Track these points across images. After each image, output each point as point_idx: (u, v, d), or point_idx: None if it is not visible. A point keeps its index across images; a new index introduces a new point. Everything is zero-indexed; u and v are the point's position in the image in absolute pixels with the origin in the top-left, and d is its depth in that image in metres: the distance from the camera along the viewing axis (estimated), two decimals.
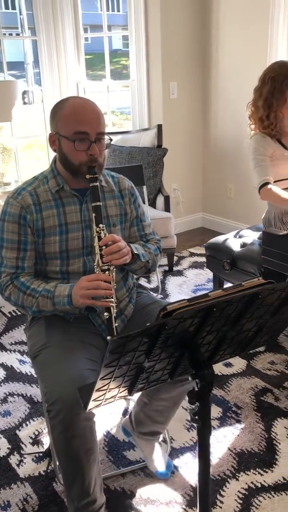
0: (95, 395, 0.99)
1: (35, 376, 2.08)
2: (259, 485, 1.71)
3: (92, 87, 4.02)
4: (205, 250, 2.81)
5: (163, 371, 1.08)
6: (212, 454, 1.85)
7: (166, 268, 3.57)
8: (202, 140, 4.28)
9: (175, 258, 3.69)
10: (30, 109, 6.98)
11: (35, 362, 1.54)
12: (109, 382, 0.96)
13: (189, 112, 4.11)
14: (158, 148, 3.66)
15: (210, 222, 4.43)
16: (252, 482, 1.73)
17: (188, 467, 1.81)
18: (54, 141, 1.54)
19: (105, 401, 1.05)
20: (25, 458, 1.88)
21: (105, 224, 1.59)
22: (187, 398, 1.11)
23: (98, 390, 0.97)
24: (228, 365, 2.39)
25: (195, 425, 1.13)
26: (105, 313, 1.45)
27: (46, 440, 1.97)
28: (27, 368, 2.46)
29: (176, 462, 1.83)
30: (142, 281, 3.40)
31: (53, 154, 1.62)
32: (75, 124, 1.47)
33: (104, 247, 1.46)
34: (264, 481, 1.73)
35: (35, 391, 2.27)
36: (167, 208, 3.51)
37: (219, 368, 2.37)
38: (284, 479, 1.73)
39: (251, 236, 2.71)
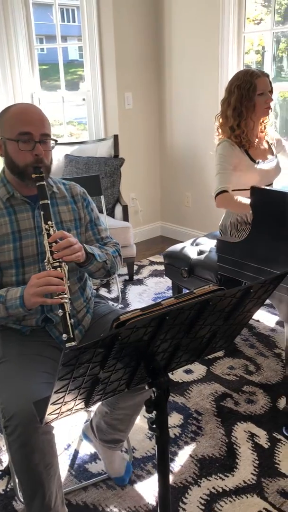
0: (50, 408, 0.98)
1: None
2: (221, 490, 1.73)
3: (47, 97, 4.00)
4: (164, 258, 2.83)
5: (120, 381, 1.08)
6: (174, 462, 1.86)
7: (126, 277, 3.58)
8: (159, 150, 4.33)
9: (135, 267, 3.70)
10: None
11: None
12: (64, 395, 0.95)
13: (145, 122, 4.16)
14: (115, 158, 3.68)
15: (169, 230, 4.48)
16: (213, 488, 1.74)
17: (151, 477, 1.81)
18: (0, 145, 1.53)
19: (61, 414, 1.04)
20: None
21: (60, 230, 1.57)
22: None
23: (53, 403, 0.96)
24: (189, 371, 2.42)
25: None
26: (59, 310, 1.40)
27: (5, 458, 1.92)
28: None
29: (138, 472, 1.83)
30: (102, 291, 3.40)
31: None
32: (19, 125, 1.48)
33: (54, 243, 1.44)
34: (225, 485, 1.75)
35: None
36: (125, 218, 3.52)
37: (179, 375, 2.39)
38: (244, 482, 1.76)
39: (208, 244, 2.76)
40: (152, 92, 4.14)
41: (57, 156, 3.67)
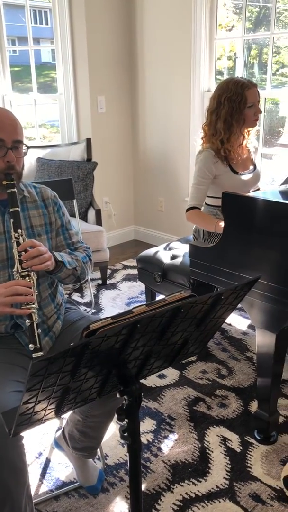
0: (19, 419, 0.95)
1: None
2: (193, 495, 1.73)
3: (19, 100, 3.95)
4: (137, 263, 2.83)
5: (91, 390, 1.07)
6: (147, 468, 1.85)
7: (100, 281, 3.56)
8: (132, 154, 4.33)
9: (108, 272, 3.69)
10: None
11: None
12: (34, 406, 0.93)
13: (118, 126, 4.16)
14: (88, 161, 3.66)
15: (143, 234, 4.48)
16: (186, 493, 1.74)
17: (124, 484, 1.79)
18: None
19: (31, 424, 1.01)
20: None
21: (30, 234, 1.56)
22: None
23: (22, 414, 0.94)
24: (162, 376, 2.41)
25: None
26: (27, 320, 1.39)
27: None
28: None
29: (111, 479, 1.81)
30: (75, 296, 3.36)
31: None
32: None
33: (23, 252, 1.43)
34: (198, 490, 1.75)
35: None
36: (98, 222, 3.50)
37: (152, 380, 2.38)
38: (217, 486, 1.76)
39: (181, 248, 2.77)
40: (125, 96, 4.14)
41: (29, 159, 3.62)
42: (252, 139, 2.48)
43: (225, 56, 4.32)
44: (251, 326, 2.88)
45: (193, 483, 1.78)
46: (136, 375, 1.13)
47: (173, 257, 2.70)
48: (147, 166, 4.25)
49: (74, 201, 3.07)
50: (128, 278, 3.64)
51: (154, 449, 1.95)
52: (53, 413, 1.05)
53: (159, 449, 1.95)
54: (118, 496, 1.74)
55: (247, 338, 2.76)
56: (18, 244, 1.43)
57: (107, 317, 0.93)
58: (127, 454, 1.82)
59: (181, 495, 1.73)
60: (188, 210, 2.35)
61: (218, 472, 1.83)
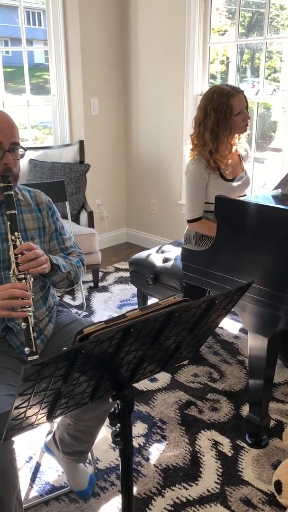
0: (10, 424, 0.94)
1: None
2: (184, 500, 1.72)
3: (11, 101, 3.93)
4: (129, 265, 2.82)
5: (83, 394, 1.06)
6: (138, 472, 1.85)
7: (91, 284, 3.54)
8: (125, 156, 4.33)
9: (100, 274, 3.68)
10: None
11: None
12: (25, 411, 0.92)
13: (111, 129, 4.15)
14: (81, 163, 3.65)
15: (135, 237, 4.47)
16: (177, 497, 1.73)
17: (115, 488, 1.78)
18: None
19: (22, 429, 1.00)
20: None
21: (23, 238, 1.55)
22: None
23: (13, 419, 0.93)
24: (153, 380, 2.41)
25: None
26: (23, 323, 1.38)
27: None
28: None
29: (102, 484, 1.80)
30: (67, 298, 3.35)
31: None
32: None
33: (20, 255, 1.42)
34: (189, 495, 1.74)
35: None
36: (91, 224, 3.49)
37: (144, 384, 2.37)
38: (208, 491, 1.76)
39: (173, 252, 2.77)
40: (118, 99, 4.14)
41: (22, 160, 3.59)
42: (243, 143, 2.49)
43: (218, 60, 4.35)
44: (243, 330, 2.88)
45: (184, 487, 1.78)
46: (129, 379, 1.13)
47: (165, 260, 2.70)
48: (139, 168, 4.25)
49: (67, 203, 3.06)
50: (120, 280, 3.63)
51: (146, 453, 1.94)
52: (44, 417, 1.04)
53: (150, 453, 1.94)
54: (109, 501, 1.73)
55: (239, 341, 2.76)
56: (14, 246, 1.43)
57: (100, 321, 0.92)
58: (119, 458, 1.81)
59: (172, 499, 1.73)
60: (192, 221, 2.37)
61: (209, 476, 1.82)
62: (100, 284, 3.55)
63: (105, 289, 3.49)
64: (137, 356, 1.06)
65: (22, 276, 1.41)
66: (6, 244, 1.50)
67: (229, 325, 2.95)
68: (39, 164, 3.61)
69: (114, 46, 3.98)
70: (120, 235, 4.50)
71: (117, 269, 3.85)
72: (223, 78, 4.28)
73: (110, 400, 1.08)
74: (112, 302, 3.28)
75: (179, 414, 2.16)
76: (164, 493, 1.75)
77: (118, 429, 1.11)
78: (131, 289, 3.41)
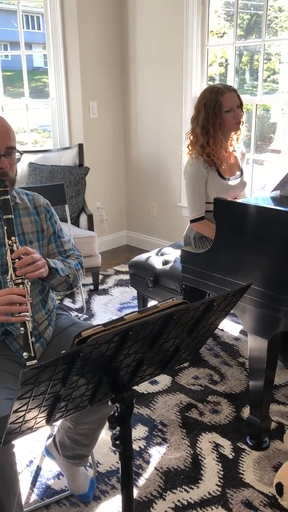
0: (9, 428, 0.94)
1: None
2: (186, 503, 1.72)
3: (10, 104, 3.94)
4: (129, 268, 2.82)
5: (82, 397, 1.06)
6: (139, 475, 1.84)
7: (91, 287, 3.54)
8: (124, 159, 4.34)
9: (100, 277, 3.68)
10: None
11: None
12: (24, 415, 0.92)
13: (110, 132, 4.16)
14: (80, 167, 3.65)
15: (135, 239, 4.47)
16: (178, 500, 1.73)
17: (115, 491, 1.77)
18: None
19: (21, 433, 1.00)
20: None
21: (22, 241, 1.55)
22: None
23: (12, 423, 0.93)
24: (154, 382, 2.40)
25: None
26: (21, 328, 1.38)
27: None
28: None
29: (103, 487, 1.79)
30: (67, 301, 3.35)
31: None
32: None
33: (17, 260, 1.42)
34: (190, 498, 1.74)
35: None
36: (90, 227, 3.50)
37: (145, 387, 2.37)
38: (209, 494, 1.75)
39: (173, 254, 2.77)
40: (117, 102, 4.15)
41: (21, 164, 3.61)
42: (240, 145, 2.50)
43: (217, 62, 4.35)
44: (243, 332, 2.88)
45: (185, 490, 1.77)
46: (128, 382, 1.12)
47: (165, 262, 2.70)
48: (139, 171, 4.25)
49: (66, 206, 3.06)
50: (120, 283, 3.63)
51: (146, 456, 1.94)
52: (44, 421, 1.04)
53: (151, 456, 1.94)
54: (110, 504, 1.72)
55: (239, 343, 2.76)
56: (11, 251, 1.43)
57: (99, 325, 0.92)
58: (119, 462, 1.81)
59: (173, 502, 1.72)
60: (195, 221, 2.39)
61: (211, 479, 1.82)
62: (100, 287, 3.55)
63: (105, 292, 3.49)
64: (136, 358, 1.06)
65: (20, 280, 1.41)
66: (3, 248, 1.50)
67: (230, 327, 2.94)
68: (38, 168, 3.61)
69: (113, 49, 3.99)
70: (120, 238, 4.51)
71: (117, 272, 3.85)
72: (222, 80, 4.28)
73: (110, 403, 1.08)
74: (112, 305, 3.28)
75: (179, 416, 2.16)
76: (165, 496, 1.75)
77: (117, 432, 1.10)
78: (131, 291, 3.40)
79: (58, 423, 1.75)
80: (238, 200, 2.17)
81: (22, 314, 1.37)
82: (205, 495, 1.75)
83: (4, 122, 1.50)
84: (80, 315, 3.13)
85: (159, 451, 1.97)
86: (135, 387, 2.33)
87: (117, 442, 1.11)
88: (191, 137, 2.39)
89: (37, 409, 0.95)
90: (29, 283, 1.45)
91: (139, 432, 2.07)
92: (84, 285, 3.57)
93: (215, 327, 1.23)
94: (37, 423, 1.01)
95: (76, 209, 3.56)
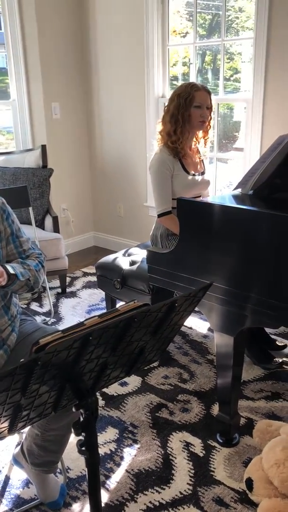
0: None
1: None
2: (157, 504, 1.71)
3: None
4: (96, 270, 2.80)
5: (45, 405, 1.04)
6: (109, 478, 1.83)
7: (59, 290, 3.50)
8: (89, 160, 4.30)
9: (68, 279, 3.64)
10: None
11: None
12: None
13: (74, 132, 4.12)
14: (44, 168, 3.60)
15: (103, 240, 4.45)
16: (150, 502, 1.72)
17: (87, 497, 1.75)
18: None
19: None
20: None
21: None
22: None
23: None
24: (124, 384, 2.39)
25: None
26: None
27: None
28: None
29: (73, 493, 1.77)
30: (34, 305, 3.30)
31: None
32: None
33: None
34: (162, 498, 1.74)
35: None
36: (56, 229, 3.45)
37: (114, 388, 2.35)
38: (180, 493, 1.75)
39: (140, 254, 2.76)
40: (80, 103, 4.11)
41: None
42: (206, 149, 2.57)
43: (181, 62, 4.37)
44: (211, 329, 2.90)
45: (157, 491, 1.77)
46: (93, 387, 1.11)
47: (132, 263, 2.69)
48: (105, 171, 4.23)
49: (30, 208, 3.01)
50: (88, 285, 3.60)
51: (117, 458, 1.93)
52: (6, 431, 1.01)
53: (122, 458, 1.93)
54: (81, 511, 1.70)
55: (207, 341, 2.78)
56: None
57: (58, 331, 0.90)
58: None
59: (145, 504, 1.71)
60: (162, 215, 2.40)
61: (182, 478, 1.82)
62: (68, 290, 3.51)
63: (73, 294, 3.45)
64: (99, 363, 1.05)
65: None
66: None
67: (198, 325, 2.96)
68: (1, 170, 3.54)
69: (74, 49, 3.95)
70: (87, 239, 4.47)
71: (85, 274, 3.82)
72: (185, 80, 4.30)
73: (74, 409, 1.06)
74: (80, 308, 3.24)
75: (150, 417, 2.16)
76: (137, 498, 1.74)
77: (83, 439, 1.09)
78: (100, 293, 3.38)
79: (26, 430, 1.72)
80: (200, 199, 2.18)
81: None
82: (176, 495, 1.75)
83: None
84: (47, 319, 3.09)
85: (130, 453, 1.95)
86: (105, 390, 2.31)
87: (82, 448, 1.10)
88: (161, 125, 2.44)
89: None
90: None
91: (109, 434, 2.05)
92: (51, 288, 3.53)
93: (179, 327, 1.23)
94: None
95: (41, 211, 3.51)
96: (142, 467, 1.88)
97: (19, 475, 1.84)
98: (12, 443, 1.99)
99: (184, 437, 2.03)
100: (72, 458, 1.92)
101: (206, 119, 2.39)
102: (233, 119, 5.48)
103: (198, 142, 2.55)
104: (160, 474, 1.84)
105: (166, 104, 2.47)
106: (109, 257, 2.80)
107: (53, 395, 1.02)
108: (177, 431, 2.06)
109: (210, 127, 2.48)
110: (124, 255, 2.83)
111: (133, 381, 2.42)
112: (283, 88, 2.96)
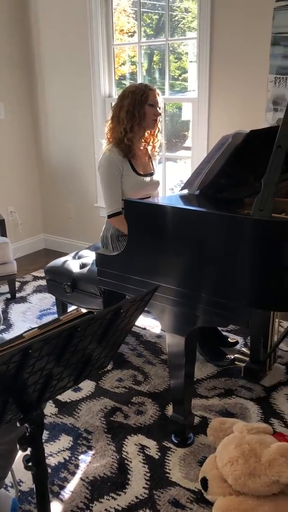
0: None
1: None
2: (113, 511, 1.69)
3: None
4: (45, 274, 2.73)
5: None
6: (64, 488, 1.78)
7: (8, 296, 3.40)
8: (36, 161, 4.20)
9: (17, 284, 3.54)
10: None
11: None
12: None
13: (19, 133, 4.01)
14: None
15: (53, 243, 4.36)
16: (106, 509, 1.69)
17: None
18: None
19: None
20: None
21: None
22: None
23: None
24: (77, 389, 2.34)
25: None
26: None
27: None
28: None
29: (26, 507, 1.71)
30: None
31: None
32: None
33: None
34: (118, 505, 1.71)
35: None
36: (3, 233, 3.35)
37: (68, 395, 2.30)
38: (136, 498, 1.73)
39: (90, 256, 2.72)
40: (25, 103, 4.00)
41: None
42: (156, 153, 2.59)
43: (129, 61, 4.35)
44: None
45: (112, 497, 1.74)
46: (38, 399, 1.07)
47: (83, 265, 2.65)
48: (52, 173, 4.14)
49: None
50: (39, 289, 3.51)
51: (72, 467, 1.88)
52: None
53: (77, 466, 1.89)
54: None
55: (161, 341, 2.78)
56: None
57: None
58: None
59: None
60: (112, 216, 2.37)
61: (138, 482, 1.80)
62: (17, 295, 3.41)
63: (23, 299, 3.36)
64: (43, 375, 1.01)
65: None
66: None
67: (151, 325, 2.96)
68: None
69: (16, 47, 3.84)
70: (37, 242, 4.37)
71: (36, 278, 3.73)
72: (134, 79, 4.29)
73: (18, 424, 1.02)
74: (31, 313, 3.16)
75: (104, 422, 2.12)
76: (92, 506, 1.70)
77: (29, 454, 1.05)
78: (51, 298, 3.30)
79: None
80: (147, 200, 2.17)
81: None
82: (132, 500, 1.73)
83: None
84: None
85: (84, 460, 1.92)
86: (58, 396, 2.25)
87: (29, 464, 1.05)
88: (111, 124, 2.40)
89: None
90: None
91: (63, 443, 2.01)
92: (0, 294, 3.42)
93: (128, 331, 1.21)
94: None
95: None
96: (97, 474, 1.84)
97: None
98: None
99: (139, 440, 2.01)
100: (24, 471, 1.85)
101: (158, 116, 2.40)
102: (182, 118, 5.53)
103: (148, 144, 2.54)
104: (116, 480, 1.82)
105: (115, 103, 2.44)
106: (59, 261, 2.74)
107: None
108: (132, 435, 2.04)
109: (159, 130, 2.48)
110: (74, 257, 2.78)
111: (87, 386, 2.38)
112: (227, 88, 3.00)
